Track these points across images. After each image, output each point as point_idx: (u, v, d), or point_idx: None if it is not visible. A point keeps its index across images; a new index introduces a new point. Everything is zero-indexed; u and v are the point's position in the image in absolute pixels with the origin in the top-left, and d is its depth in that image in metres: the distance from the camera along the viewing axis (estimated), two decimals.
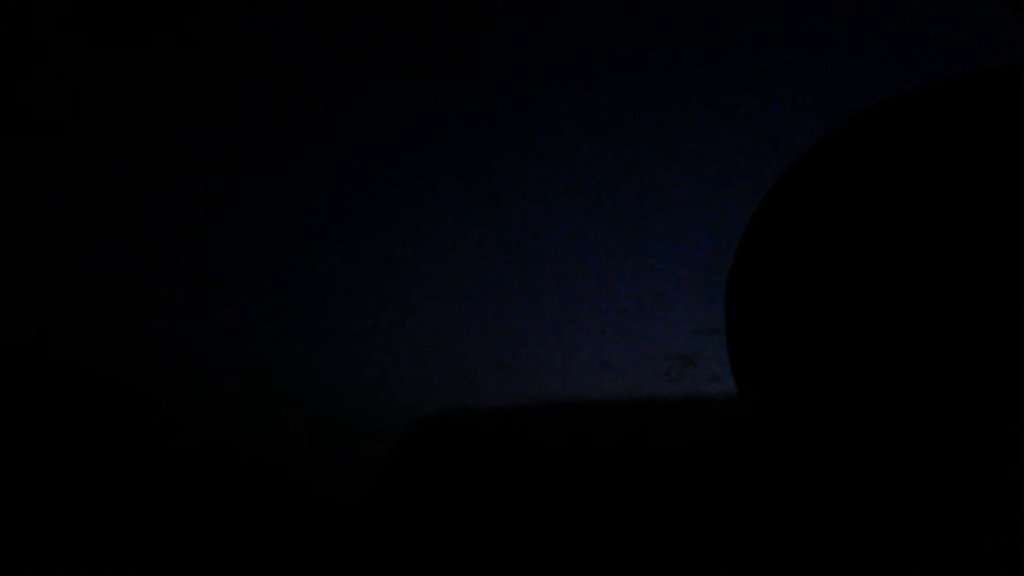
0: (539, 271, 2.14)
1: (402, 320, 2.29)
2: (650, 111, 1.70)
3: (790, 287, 0.64)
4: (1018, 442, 0.46)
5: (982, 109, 0.60)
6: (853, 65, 1.56)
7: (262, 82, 1.68)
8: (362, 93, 1.69)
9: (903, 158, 0.61)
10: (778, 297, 0.65)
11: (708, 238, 2.04)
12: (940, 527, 0.43)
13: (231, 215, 2.01)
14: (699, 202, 1.92)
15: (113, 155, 1.86)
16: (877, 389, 0.58)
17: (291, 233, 2.06)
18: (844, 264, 0.61)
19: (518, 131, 1.75)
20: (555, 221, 1.99)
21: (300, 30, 1.60)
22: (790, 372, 0.63)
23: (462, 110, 1.70)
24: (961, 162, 0.59)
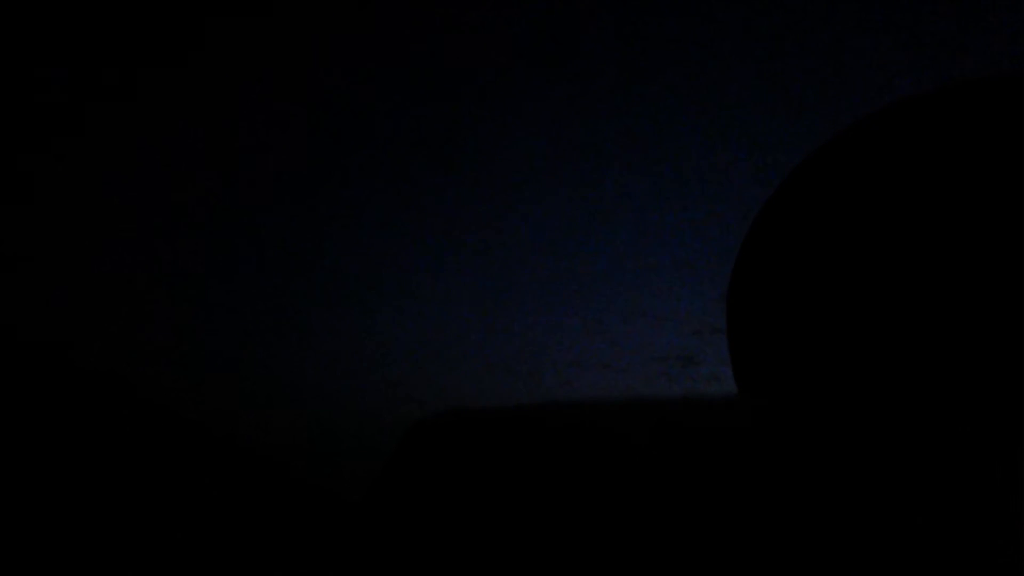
0: (539, 272, 2.14)
1: (402, 320, 2.29)
2: (653, 113, 1.70)
3: (793, 287, 0.64)
4: (1019, 443, 0.46)
5: (983, 116, 0.60)
6: (857, 70, 1.56)
7: (263, 84, 1.68)
8: (364, 96, 1.69)
9: (906, 163, 0.61)
10: (781, 297, 0.65)
11: (708, 239, 2.04)
12: (941, 528, 0.43)
13: (231, 216, 2.01)
14: (699, 203, 1.92)
15: (114, 155, 1.86)
16: (880, 390, 0.58)
17: (292, 235, 2.06)
18: (847, 266, 0.61)
19: (519, 133, 1.75)
20: (555, 222, 1.99)
21: (301, 31, 1.60)
22: (792, 372, 0.63)
23: (463, 113, 1.70)
24: (962, 168, 0.59)
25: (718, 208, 1.91)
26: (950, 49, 1.48)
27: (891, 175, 0.61)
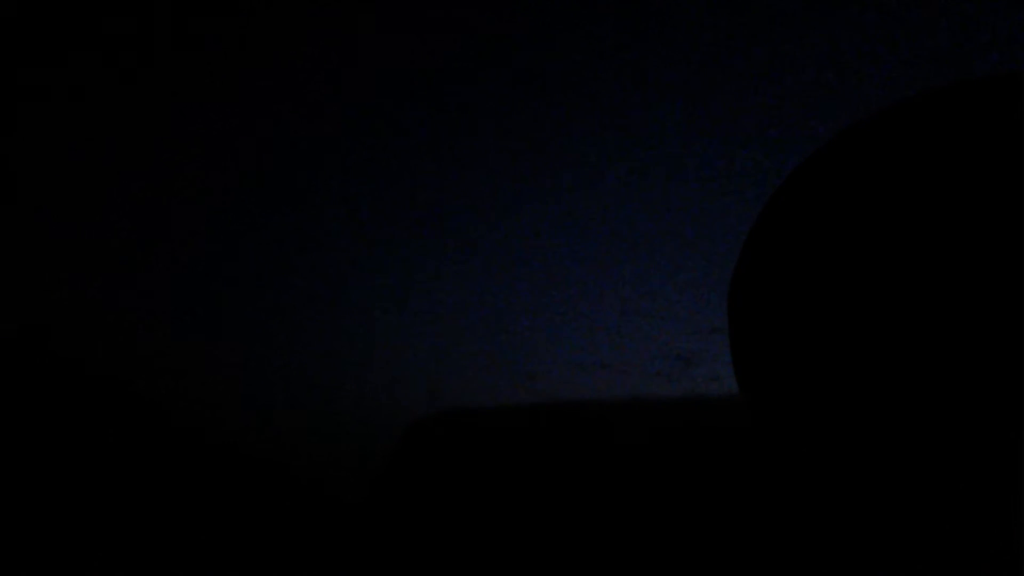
0: (539, 273, 2.14)
1: (402, 320, 2.29)
2: (653, 115, 1.70)
3: (793, 289, 0.64)
4: (1018, 444, 0.46)
5: (981, 116, 0.60)
6: (856, 73, 1.57)
7: (263, 84, 1.68)
8: (364, 95, 1.70)
9: (904, 165, 0.62)
10: (781, 299, 0.65)
11: (707, 240, 2.04)
12: (941, 528, 0.43)
13: (232, 216, 2.01)
14: (699, 205, 1.92)
15: (114, 155, 1.86)
16: (879, 390, 0.58)
17: (292, 235, 2.06)
18: (848, 266, 0.61)
19: (520, 135, 1.75)
20: (556, 223, 1.99)
21: (302, 31, 1.60)
22: (793, 373, 0.64)
23: (465, 113, 1.70)
24: (960, 169, 0.59)
25: (718, 209, 1.92)
26: (950, 50, 1.48)
27: (891, 176, 0.60)
